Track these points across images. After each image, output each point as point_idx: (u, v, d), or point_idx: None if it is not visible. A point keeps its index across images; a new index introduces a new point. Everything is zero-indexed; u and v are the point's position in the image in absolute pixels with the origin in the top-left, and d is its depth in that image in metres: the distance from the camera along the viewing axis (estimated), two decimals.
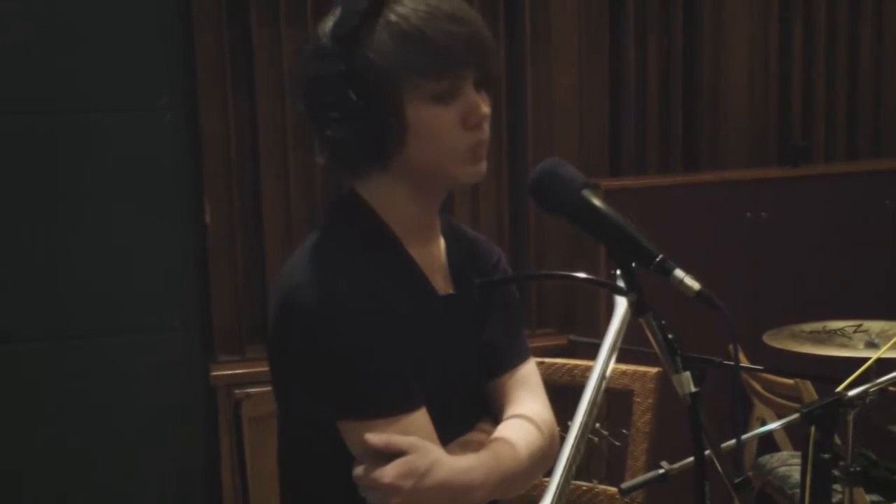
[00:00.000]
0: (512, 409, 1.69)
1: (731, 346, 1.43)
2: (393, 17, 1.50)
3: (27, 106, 3.47)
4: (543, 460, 1.66)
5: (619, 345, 1.60)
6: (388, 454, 1.48)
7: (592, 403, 1.50)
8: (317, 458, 1.63)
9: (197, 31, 3.60)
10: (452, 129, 1.53)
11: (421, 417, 1.54)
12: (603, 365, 1.52)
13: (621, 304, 1.51)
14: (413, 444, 1.49)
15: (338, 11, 1.55)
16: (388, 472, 1.46)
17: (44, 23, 3.43)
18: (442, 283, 1.68)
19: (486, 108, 1.56)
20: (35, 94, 3.47)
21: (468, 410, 1.69)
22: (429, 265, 1.65)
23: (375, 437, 1.48)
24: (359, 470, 1.49)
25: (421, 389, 1.55)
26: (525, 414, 1.68)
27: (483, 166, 1.59)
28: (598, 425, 2.67)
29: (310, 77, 1.55)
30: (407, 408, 1.52)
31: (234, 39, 3.64)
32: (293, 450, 1.68)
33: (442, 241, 1.71)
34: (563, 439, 1.46)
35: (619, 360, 2.67)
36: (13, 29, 3.42)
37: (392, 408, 1.51)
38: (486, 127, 1.58)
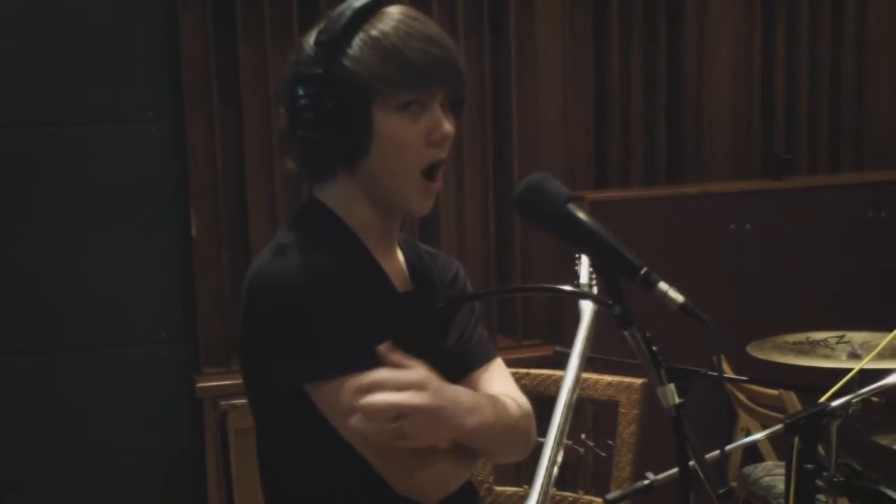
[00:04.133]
0: (487, 391, 1.73)
1: (715, 358, 1.44)
2: (373, 32, 1.60)
3: (12, 119, 3.47)
4: (521, 430, 1.70)
5: (588, 351, 1.64)
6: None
7: (567, 408, 1.52)
8: (297, 464, 1.65)
9: (183, 44, 3.61)
10: (416, 143, 1.62)
11: None
12: (575, 373, 1.54)
13: (587, 310, 1.54)
14: (412, 362, 1.51)
15: (323, 22, 1.64)
16: (408, 375, 1.48)
17: (29, 36, 3.43)
18: (401, 284, 1.74)
19: (448, 127, 1.64)
20: (21, 108, 3.47)
21: None
22: (389, 268, 1.72)
23: (388, 348, 1.49)
24: (377, 375, 1.47)
25: None
26: (501, 391, 1.73)
27: (430, 203, 1.68)
28: (583, 436, 2.68)
29: (290, 79, 1.64)
30: (378, 364, 1.53)
31: (220, 52, 3.64)
32: (272, 462, 1.71)
33: (400, 252, 1.78)
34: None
35: (604, 371, 2.70)
36: None
37: (364, 362, 1.51)
38: (448, 147, 1.66)
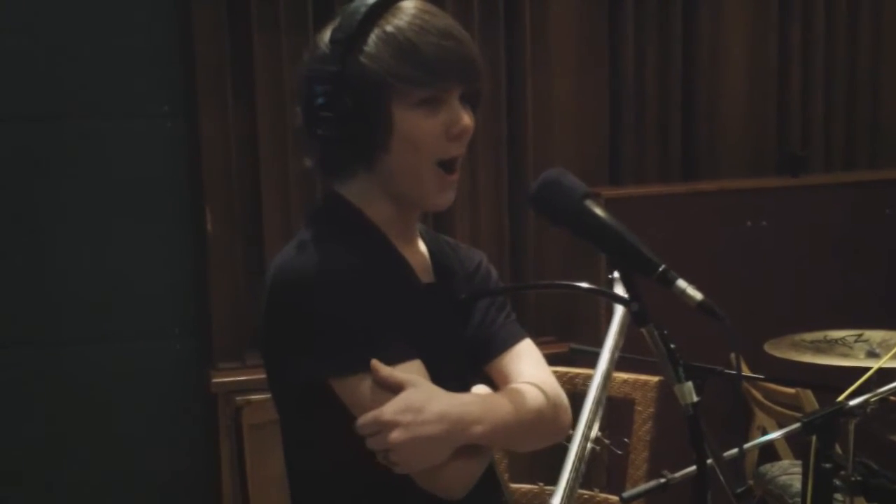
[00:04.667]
0: (514, 380, 1.72)
1: (732, 356, 1.43)
2: (388, 28, 1.59)
3: (27, 114, 3.48)
4: (546, 421, 1.68)
5: (619, 350, 1.62)
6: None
7: (596, 405, 1.51)
8: (322, 456, 1.65)
9: (197, 39, 3.60)
10: (435, 138, 1.61)
11: (417, 366, 1.57)
12: (605, 370, 1.53)
13: (619, 309, 1.52)
14: (411, 380, 1.53)
15: (338, 19, 1.63)
16: (388, 409, 1.49)
17: (43, 31, 3.44)
18: (425, 276, 1.74)
19: (468, 121, 1.63)
20: (35, 103, 3.48)
21: None
22: (412, 259, 1.72)
23: (379, 365, 1.51)
24: (361, 418, 1.50)
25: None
26: (528, 380, 1.71)
27: (451, 196, 1.68)
28: (599, 434, 2.66)
29: (306, 77, 1.63)
30: (401, 357, 1.56)
31: (234, 47, 3.64)
32: (298, 458, 1.70)
33: (422, 243, 1.78)
34: (562, 446, 1.46)
35: (620, 369, 2.69)
36: (13, 37, 3.43)
37: (387, 357, 1.54)
38: (466, 142, 1.65)
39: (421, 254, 1.76)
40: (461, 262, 1.83)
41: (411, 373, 1.55)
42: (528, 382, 1.69)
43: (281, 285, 1.59)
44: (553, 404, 1.69)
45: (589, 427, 1.54)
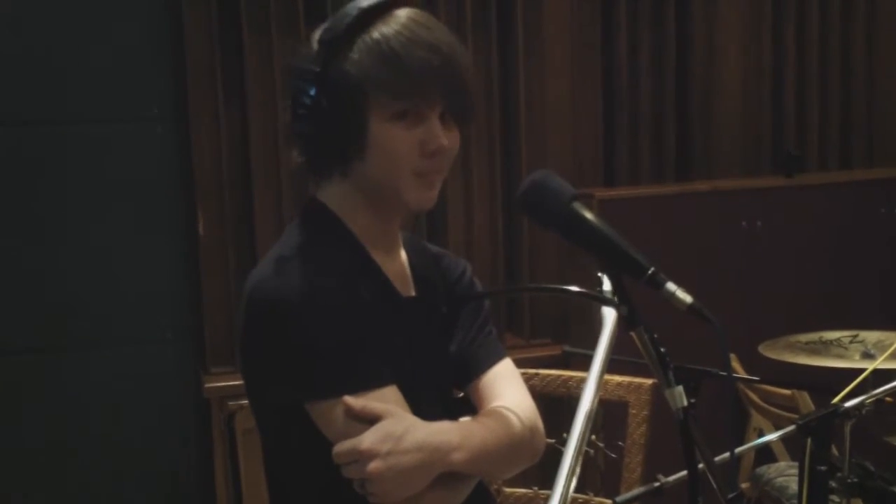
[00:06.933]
0: (492, 402, 1.70)
1: (723, 359, 1.41)
2: (375, 35, 1.56)
3: (18, 117, 3.46)
4: (523, 445, 1.67)
5: (610, 356, 1.60)
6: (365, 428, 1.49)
7: (589, 414, 1.49)
8: (301, 473, 1.63)
9: (188, 42, 3.59)
10: (409, 153, 1.57)
11: (392, 392, 1.55)
12: (597, 377, 1.51)
13: (609, 315, 1.51)
14: (388, 409, 1.50)
15: (331, 19, 1.61)
16: (366, 439, 1.47)
17: (31, 34, 3.43)
18: (404, 289, 1.70)
19: (445, 140, 1.58)
20: (26, 106, 3.47)
21: (448, 417, 1.67)
22: (391, 271, 1.68)
23: (353, 400, 1.49)
24: (337, 447, 1.49)
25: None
26: (506, 402, 1.69)
27: (433, 196, 1.63)
28: (593, 437, 2.65)
29: (292, 74, 1.61)
30: (377, 383, 1.53)
31: (225, 49, 3.62)
32: (276, 467, 1.69)
33: (403, 253, 1.75)
34: (557, 450, 1.45)
35: (614, 372, 2.67)
36: (2, 39, 3.41)
37: (362, 382, 1.52)
38: (445, 160, 1.61)
39: (401, 265, 1.73)
40: (445, 271, 1.80)
41: (386, 399, 1.53)
42: (505, 407, 1.68)
43: (256, 306, 1.56)
44: (529, 428, 1.67)
45: (581, 442, 1.52)
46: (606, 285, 1.47)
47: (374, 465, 1.46)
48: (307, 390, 1.53)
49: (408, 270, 1.74)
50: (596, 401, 1.57)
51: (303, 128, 1.59)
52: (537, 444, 1.70)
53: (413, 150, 1.57)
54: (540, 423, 1.71)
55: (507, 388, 1.72)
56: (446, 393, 1.73)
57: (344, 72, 1.55)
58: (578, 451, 1.48)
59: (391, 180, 1.58)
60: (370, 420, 1.49)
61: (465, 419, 1.66)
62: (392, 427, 1.48)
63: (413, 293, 1.72)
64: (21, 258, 3.50)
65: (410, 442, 1.49)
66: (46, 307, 3.54)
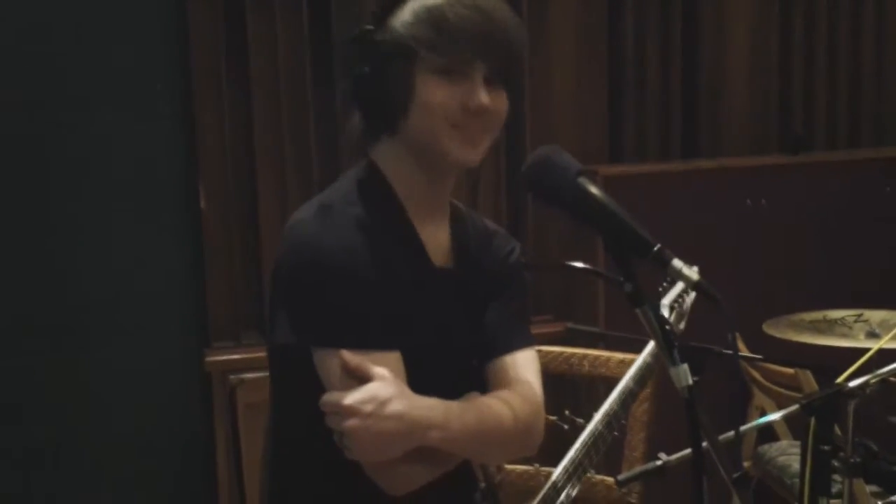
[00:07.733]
0: (501, 387, 1.73)
1: (729, 336, 1.40)
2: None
3: (23, 107, 3.45)
4: (513, 438, 1.69)
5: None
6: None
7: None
8: (302, 420, 1.65)
9: (192, 29, 3.56)
10: (449, 107, 1.62)
11: (393, 358, 1.59)
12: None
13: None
14: (381, 373, 1.53)
15: None
16: (351, 396, 1.50)
17: (38, 23, 3.41)
18: (441, 258, 1.73)
19: (486, 99, 1.64)
20: (31, 95, 3.47)
21: (461, 389, 1.69)
22: (430, 238, 1.72)
23: (350, 356, 1.53)
24: (325, 396, 1.53)
25: (407, 351, 1.60)
26: (513, 390, 1.71)
27: (476, 153, 1.69)
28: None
29: (350, 38, 1.69)
30: (382, 345, 1.58)
31: (229, 36, 3.59)
32: (275, 413, 1.74)
33: (449, 224, 1.78)
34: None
35: (616, 349, 2.66)
36: (6, 29, 3.40)
37: (363, 341, 1.56)
38: (490, 121, 1.67)
39: (442, 235, 1.76)
40: (492, 249, 1.82)
41: (386, 364, 1.55)
42: (509, 396, 1.69)
43: (289, 245, 1.63)
44: (524, 423, 1.69)
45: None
46: (669, 296, 1.46)
47: (351, 423, 1.49)
48: (310, 333, 1.59)
49: (448, 240, 1.76)
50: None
51: (361, 87, 1.65)
52: (531, 440, 1.72)
53: (454, 106, 1.62)
54: (541, 420, 1.73)
55: (519, 377, 1.74)
56: (466, 367, 1.74)
57: (393, 31, 1.63)
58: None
59: (432, 134, 1.63)
60: (362, 379, 1.52)
61: (467, 396, 1.67)
62: (379, 391, 1.51)
63: (449, 264, 1.74)
64: (22, 238, 3.50)
65: (392, 410, 1.51)
66: (49, 284, 3.54)
